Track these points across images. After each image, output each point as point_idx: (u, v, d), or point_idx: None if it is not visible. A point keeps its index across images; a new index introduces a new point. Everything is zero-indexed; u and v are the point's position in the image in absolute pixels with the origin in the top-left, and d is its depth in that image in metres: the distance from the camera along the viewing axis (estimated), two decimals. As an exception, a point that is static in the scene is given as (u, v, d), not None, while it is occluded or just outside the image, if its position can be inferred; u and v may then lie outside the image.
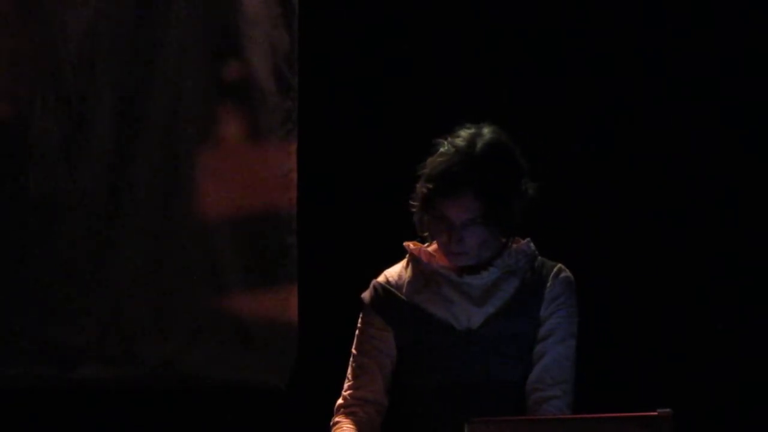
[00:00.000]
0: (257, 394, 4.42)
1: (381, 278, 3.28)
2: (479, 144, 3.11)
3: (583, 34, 4.40)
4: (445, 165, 3.09)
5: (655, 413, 2.62)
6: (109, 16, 4.40)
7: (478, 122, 3.17)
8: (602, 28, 4.39)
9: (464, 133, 3.14)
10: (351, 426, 3.17)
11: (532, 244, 3.23)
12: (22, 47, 4.36)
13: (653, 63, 4.39)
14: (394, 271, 3.28)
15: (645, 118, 4.39)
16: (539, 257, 3.23)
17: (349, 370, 3.26)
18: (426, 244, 3.25)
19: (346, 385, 3.25)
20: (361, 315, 3.28)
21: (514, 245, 3.21)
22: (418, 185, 3.15)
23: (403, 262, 3.28)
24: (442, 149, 3.14)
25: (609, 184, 4.38)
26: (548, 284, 3.19)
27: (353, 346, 3.27)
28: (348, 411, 3.21)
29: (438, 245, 3.19)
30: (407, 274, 3.25)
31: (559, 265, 3.23)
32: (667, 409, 2.62)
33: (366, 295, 3.27)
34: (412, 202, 3.18)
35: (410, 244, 3.26)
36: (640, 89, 4.39)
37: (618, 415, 2.66)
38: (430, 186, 3.09)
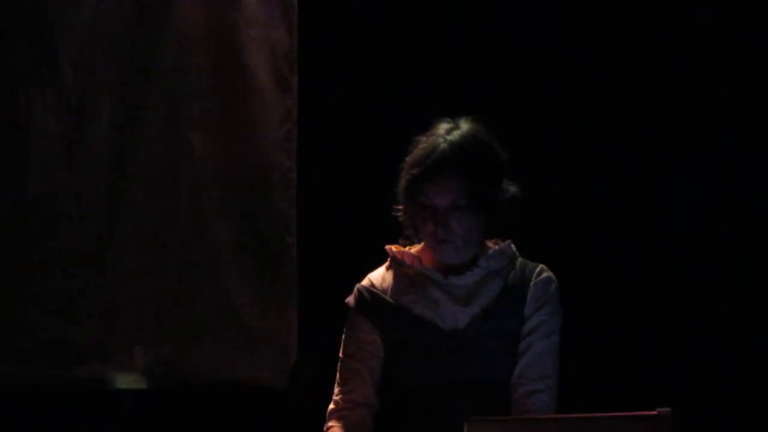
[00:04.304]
0: (257, 394, 4.42)
1: (365, 282, 3.31)
2: (459, 132, 3.20)
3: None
4: (428, 151, 3.17)
5: (655, 413, 2.62)
6: (109, 16, 4.40)
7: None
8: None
9: (443, 125, 3.24)
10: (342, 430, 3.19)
11: (513, 246, 3.28)
12: (22, 48, 4.36)
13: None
14: (378, 275, 3.32)
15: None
16: (520, 258, 3.28)
17: (338, 375, 3.29)
18: (408, 247, 3.29)
19: (336, 390, 3.27)
20: (346, 319, 3.30)
21: (496, 246, 3.25)
22: (401, 179, 3.20)
23: (385, 266, 3.32)
24: (421, 144, 3.20)
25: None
26: (531, 284, 3.25)
27: (340, 351, 3.29)
28: (340, 415, 3.23)
29: (424, 237, 3.22)
30: (391, 277, 3.28)
31: (541, 265, 3.30)
32: (667, 409, 2.62)
33: (351, 299, 3.30)
34: (396, 207, 3.23)
35: (392, 248, 3.30)
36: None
37: (618, 414, 2.67)
38: (414, 172, 3.15)
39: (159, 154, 4.42)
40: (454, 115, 3.28)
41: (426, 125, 3.29)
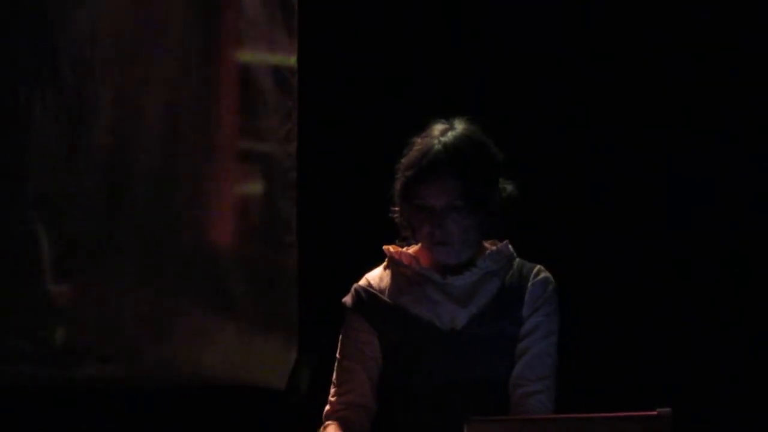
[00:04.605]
0: (257, 394, 4.42)
1: (362, 282, 3.31)
2: (453, 133, 3.19)
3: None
4: (423, 152, 3.17)
5: (655, 413, 2.62)
6: (109, 16, 4.40)
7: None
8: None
9: (438, 126, 3.23)
10: (339, 429, 3.19)
11: (510, 246, 3.28)
12: (22, 48, 4.36)
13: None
14: (375, 275, 3.31)
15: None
16: (518, 258, 3.28)
17: (335, 376, 3.28)
18: (406, 247, 3.29)
19: (332, 391, 3.26)
20: (344, 320, 3.29)
21: (494, 247, 3.26)
22: (396, 181, 3.20)
23: (383, 266, 3.31)
24: (416, 145, 3.21)
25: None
26: (529, 284, 3.24)
27: (338, 351, 3.28)
28: (337, 416, 3.21)
29: (421, 239, 3.22)
30: (389, 277, 3.28)
31: (539, 266, 3.29)
32: (667, 409, 2.62)
33: (348, 299, 3.29)
34: (392, 208, 3.23)
35: (390, 248, 3.30)
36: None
37: (618, 414, 2.66)
38: (409, 173, 3.15)
39: (159, 155, 4.42)
40: (454, 115, 3.28)
41: (426, 125, 3.29)
